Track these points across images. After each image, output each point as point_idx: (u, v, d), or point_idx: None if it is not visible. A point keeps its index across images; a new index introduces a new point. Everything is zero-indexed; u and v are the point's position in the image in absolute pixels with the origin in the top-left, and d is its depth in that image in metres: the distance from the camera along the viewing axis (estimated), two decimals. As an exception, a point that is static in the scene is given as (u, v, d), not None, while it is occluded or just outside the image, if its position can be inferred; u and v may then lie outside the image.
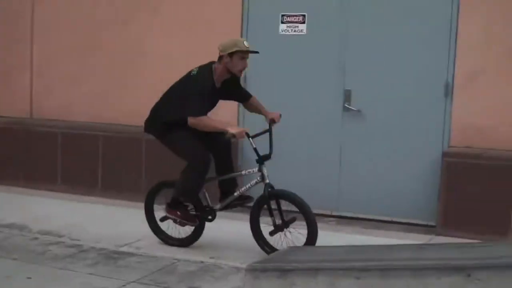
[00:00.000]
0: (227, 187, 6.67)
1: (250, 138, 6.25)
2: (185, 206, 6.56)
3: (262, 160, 6.29)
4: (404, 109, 7.64)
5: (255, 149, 6.27)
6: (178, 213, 6.52)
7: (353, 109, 7.85)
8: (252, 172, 6.47)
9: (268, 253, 6.23)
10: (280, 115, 6.48)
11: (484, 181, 7.08)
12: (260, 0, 8.36)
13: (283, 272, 4.75)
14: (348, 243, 6.33)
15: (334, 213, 8.07)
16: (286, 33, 8.17)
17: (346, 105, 7.88)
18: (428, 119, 7.54)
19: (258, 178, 6.36)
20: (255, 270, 4.85)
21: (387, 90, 7.69)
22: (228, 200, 6.60)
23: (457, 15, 7.32)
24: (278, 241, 6.35)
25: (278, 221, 6.28)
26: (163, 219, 6.76)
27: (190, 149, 6.35)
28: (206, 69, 6.29)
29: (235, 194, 6.56)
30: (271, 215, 6.26)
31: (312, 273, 4.69)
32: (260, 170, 6.33)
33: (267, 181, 6.26)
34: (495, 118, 7.17)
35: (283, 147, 7.55)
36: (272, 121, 6.45)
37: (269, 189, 6.24)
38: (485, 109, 7.22)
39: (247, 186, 6.52)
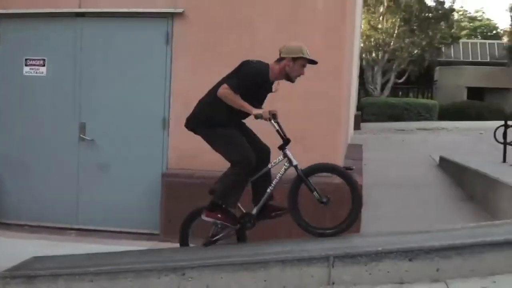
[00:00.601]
0: (260, 189, 5.83)
1: (273, 121, 5.60)
2: (225, 208, 5.76)
3: (286, 143, 5.66)
4: (130, 138, 7.98)
5: (278, 131, 5.64)
6: (219, 215, 5.72)
7: (87, 139, 8.06)
8: (278, 161, 5.78)
9: (313, 232, 5.67)
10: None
11: (196, 194, 7.44)
12: (8, 45, 8.33)
13: (29, 278, 4.86)
14: (85, 252, 6.32)
15: (74, 226, 8.17)
16: (29, 74, 8.22)
17: (81, 135, 8.07)
18: (150, 146, 7.93)
19: (286, 163, 5.68)
20: (5, 278, 4.90)
21: (116, 123, 8.00)
22: (262, 202, 5.79)
23: (171, 60, 7.79)
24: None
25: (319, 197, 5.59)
26: (207, 244, 5.88)
27: (238, 148, 5.61)
28: (263, 63, 5.65)
29: (268, 190, 5.75)
30: (312, 191, 5.59)
31: (53, 278, 4.82)
32: (285, 155, 5.68)
33: (295, 163, 5.61)
34: (203, 146, 7.63)
35: (31, 167, 7.98)
36: (274, 116, 5.70)
37: (301, 169, 5.60)
38: (195, 139, 7.65)
39: (277, 178, 5.75)
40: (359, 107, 30.56)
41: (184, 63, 7.69)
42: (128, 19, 7.98)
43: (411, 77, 42.04)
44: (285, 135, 5.65)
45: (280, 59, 5.60)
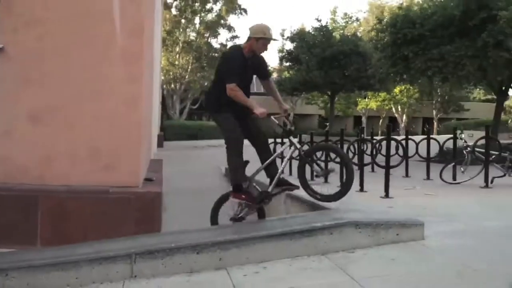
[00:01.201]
0: (272, 171, 6.02)
1: (272, 117, 5.90)
2: (247, 190, 5.91)
3: (288, 133, 5.98)
4: None
5: (278, 124, 5.99)
6: (243, 196, 5.91)
7: None
8: (286, 146, 6.09)
9: (318, 199, 6.05)
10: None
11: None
12: None
13: None
14: None
15: None
16: None
17: None
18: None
19: (292, 148, 5.96)
20: None
21: None
22: (275, 181, 5.95)
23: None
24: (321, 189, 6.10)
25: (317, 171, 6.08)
26: (234, 220, 6.09)
27: (229, 127, 5.81)
28: (235, 46, 6.11)
29: (279, 171, 5.98)
30: (312, 167, 6.06)
31: None
32: (290, 142, 5.95)
33: (299, 146, 5.91)
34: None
35: None
36: (285, 111, 6.09)
37: (303, 151, 5.95)
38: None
39: (286, 160, 6.06)
40: (162, 128, 30.58)
41: (4, 94, 7.18)
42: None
43: (203, 103, 43.04)
44: (287, 127, 6.04)
45: (248, 39, 5.85)
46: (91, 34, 6.98)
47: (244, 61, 5.81)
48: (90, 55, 7.01)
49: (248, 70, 5.88)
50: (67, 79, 7.09)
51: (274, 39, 5.90)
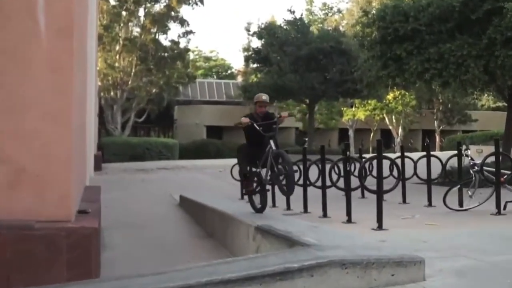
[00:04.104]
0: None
1: (255, 124, 8.84)
2: (249, 179, 9.48)
3: (268, 138, 8.80)
4: None
5: (259, 131, 8.80)
6: (245, 182, 9.75)
7: None
8: (268, 147, 8.82)
9: (283, 192, 9.40)
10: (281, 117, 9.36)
11: None
12: None
13: None
14: None
15: None
16: None
17: None
18: None
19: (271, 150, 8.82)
20: None
21: None
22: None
23: None
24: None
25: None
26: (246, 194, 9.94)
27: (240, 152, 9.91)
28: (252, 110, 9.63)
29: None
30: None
31: None
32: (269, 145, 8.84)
33: (273, 148, 8.74)
34: None
35: None
36: (279, 116, 9.32)
37: (273, 150, 8.75)
38: None
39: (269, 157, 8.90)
40: (100, 147, 30.31)
41: None
42: None
43: (151, 116, 42.86)
44: (274, 132, 8.95)
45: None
46: (6, 37, 6.91)
47: (255, 118, 9.11)
48: (5, 62, 6.93)
49: (263, 125, 9.04)
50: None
51: (262, 100, 9.24)
